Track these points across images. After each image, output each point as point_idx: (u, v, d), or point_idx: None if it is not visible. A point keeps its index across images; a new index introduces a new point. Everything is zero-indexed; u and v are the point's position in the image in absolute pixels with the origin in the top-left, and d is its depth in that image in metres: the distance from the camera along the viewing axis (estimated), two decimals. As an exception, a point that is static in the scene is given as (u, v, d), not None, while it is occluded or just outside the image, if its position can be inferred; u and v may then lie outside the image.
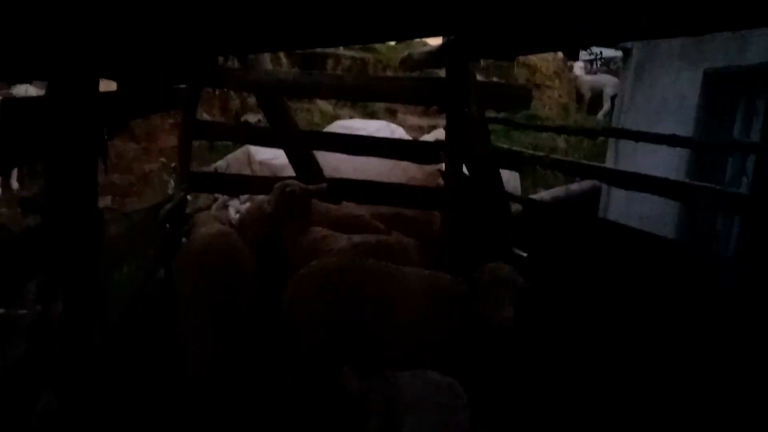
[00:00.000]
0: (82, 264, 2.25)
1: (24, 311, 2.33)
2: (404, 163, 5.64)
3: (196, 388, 3.35)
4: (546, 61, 12.71)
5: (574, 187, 8.18)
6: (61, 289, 2.25)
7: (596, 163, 5.35)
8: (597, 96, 12.75)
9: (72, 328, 2.24)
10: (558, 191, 7.97)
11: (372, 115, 10.27)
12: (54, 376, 2.20)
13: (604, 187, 6.88)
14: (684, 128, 5.39)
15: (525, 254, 4.57)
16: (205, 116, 8.93)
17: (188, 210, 5.88)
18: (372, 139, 5.78)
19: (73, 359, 2.22)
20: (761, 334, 2.79)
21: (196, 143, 6.38)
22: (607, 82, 12.58)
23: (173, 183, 5.39)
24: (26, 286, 2.30)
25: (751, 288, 2.93)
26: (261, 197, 5.57)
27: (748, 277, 2.97)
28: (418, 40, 9.50)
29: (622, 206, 6.26)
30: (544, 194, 7.95)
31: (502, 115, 6.80)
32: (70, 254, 2.23)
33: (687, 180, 4.69)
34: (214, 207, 6.51)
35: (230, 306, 3.45)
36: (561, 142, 10.23)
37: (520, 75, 12.26)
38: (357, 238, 4.07)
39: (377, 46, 11.46)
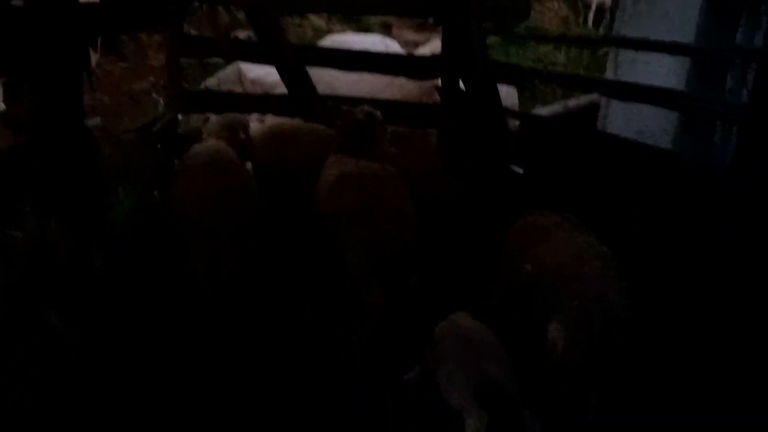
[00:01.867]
0: (74, 182, 2.22)
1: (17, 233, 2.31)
2: (400, 80, 5.51)
3: (204, 307, 3.39)
4: (546, -30, 12.21)
5: (572, 104, 8.03)
6: (55, 209, 2.23)
7: (596, 76, 5.24)
8: (600, 8, 12.32)
9: (70, 247, 2.24)
10: (556, 108, 7.82)
11: (366, 30, 9.94)
12: (54, 293, 2.22)
13: (603, 102, 6.77)
14: (686, 38, 5.23)
15: (521, 171, 4.55)
16: (194, 32, 8.64)
17: (180, 130, 5.79)
18: (367, 55, 5.61)
19: (73, 278, 2.23)
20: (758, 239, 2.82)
21: (185, 62, 6.21)
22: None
23: (163, 102, 5.27)
24: (20, 207, 2.28)
25: (747, 195, 2.95)
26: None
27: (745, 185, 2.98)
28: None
29: (620, 122, 6.16)
30: (541, 111, 7.82)
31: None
32: (61, 172, 2.20)
33: (687, 87, 4.59)
34: (205, 129, 6.38)
35: (233, 224, 3.42)
36: (561, 56, 9.96)
37: (519, -14, 11.81)
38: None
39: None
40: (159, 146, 5.00)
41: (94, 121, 6.36)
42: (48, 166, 2.25)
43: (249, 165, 4.31)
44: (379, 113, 4.04)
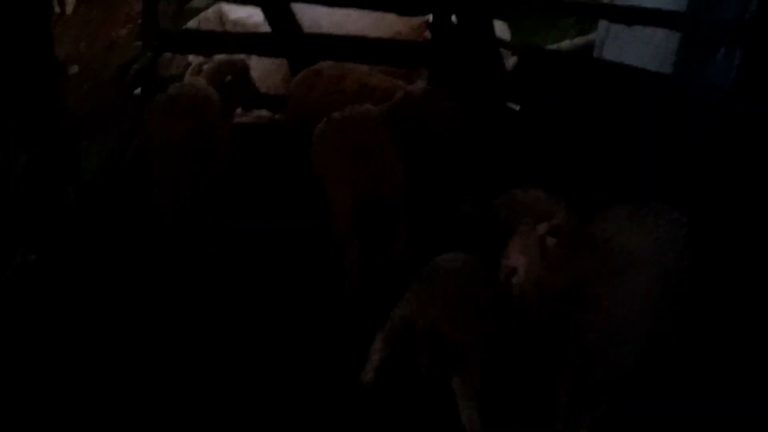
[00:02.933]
0: (44, 112, 2.07)
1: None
2: (389, 17, 5.27)
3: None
4: None
5: (566, 44, 7.87)
6: (26, 140, 2.08)
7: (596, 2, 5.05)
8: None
9: (42, 181, 2.11)
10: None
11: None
12: (30, 230, 2.09)
13: (597, 43, 6.61)
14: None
15: (517, 108, 4.41)
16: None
17: (162, 75, 5.56)
18: (354, -10, 5.35)
19: (46, 213, 2.10)
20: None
21: (164, 8, 5.92)
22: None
23: (142, 44, 5.02)
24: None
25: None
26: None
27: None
28: None
29: (614, 58, 6.04)
30: (534, 53, 7.63)
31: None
32: (29, 101, 2.04)
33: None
34: (188, 73, 6.14)
35: (190, 163, 3.38)
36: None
37: None
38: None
39: None
40: (139, 89, 4.81)
41: (72, 69, 6.12)
42: (17, 100, 2.10)
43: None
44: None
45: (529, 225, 1.76)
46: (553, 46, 8.03)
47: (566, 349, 1.89)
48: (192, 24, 6.30)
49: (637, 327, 1.96)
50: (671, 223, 2.17)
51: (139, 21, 5.00)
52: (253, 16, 5.81)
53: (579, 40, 7.60)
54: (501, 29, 6.15)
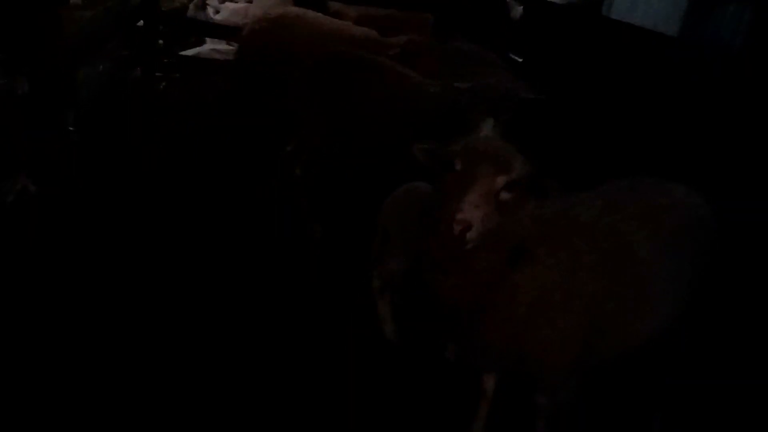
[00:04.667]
0: (44, 38, 2.06)
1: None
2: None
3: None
4: None
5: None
6: (26, 65, 2.08)
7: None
8: None
9: (41, 107, 2.11)
10: (557, -1, 7.50)
11: None
12: (28, 157, 2.12)
13: (607, -5, 6.49)
14: None
15: (520, 59, 4.38)
16: None
17: (164, 8, 5.47)
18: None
19: (46, 139, 2.12)
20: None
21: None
22: None
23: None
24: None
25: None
26: None
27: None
28: None
29: (624, 9, 5.95)
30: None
31: None
32: (30, 26, 2.03)
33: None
34: (191, 6, 6.04)
35: None
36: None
37: None
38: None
39: None
40: (140, 22, 4.76)
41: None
42: (16, 28, 2.08)
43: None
44: None
45: (486, 177, 1.68)
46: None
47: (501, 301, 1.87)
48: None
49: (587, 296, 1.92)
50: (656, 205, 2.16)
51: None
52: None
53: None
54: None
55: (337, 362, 2.48)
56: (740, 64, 3.25)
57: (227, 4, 6.04)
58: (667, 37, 4.08)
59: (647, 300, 2.06)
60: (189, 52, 5.51)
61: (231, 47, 5.50)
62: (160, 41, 5.34)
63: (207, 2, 6.03)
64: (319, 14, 4.26)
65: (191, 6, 5.99)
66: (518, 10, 4.58)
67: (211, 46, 5.68)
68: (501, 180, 1.67)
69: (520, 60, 4.22)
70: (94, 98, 3.71)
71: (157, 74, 5.17)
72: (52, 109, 2.39)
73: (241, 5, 5.98)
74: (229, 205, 3.38)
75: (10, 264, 2.28)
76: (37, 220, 2.19)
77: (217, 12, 6.00)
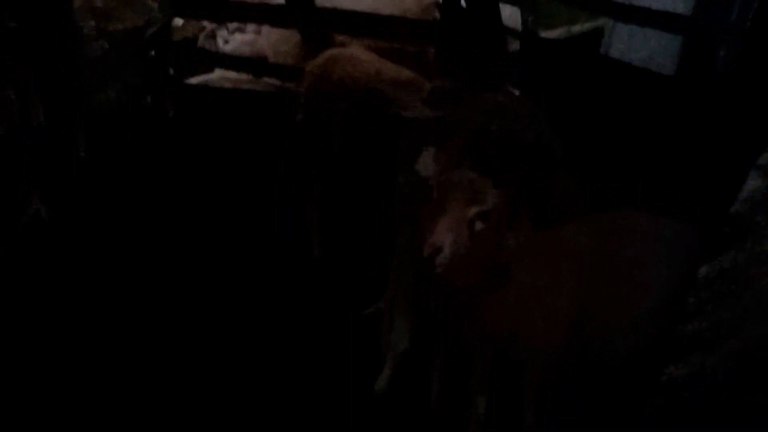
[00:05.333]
0: (60, 71, 2.20)
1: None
2: (400, -5, 5.35)
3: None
4: None
5: (576, 28, 7.88)
6: (41, 98, 2.22)
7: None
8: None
9: (56, 138, 2.25)
10: (559, 32, 7.68)
11: (370, -56, 9.53)
12: (41, 183, 2.24)
13: (607, 27, 6.64)
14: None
15: (517, 92, 4.50)
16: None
17: (175, 39, 5.66)
18: (367, -34, 5.43)
19: (59, 168, 2.24)
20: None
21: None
22: None
23: (156, 6, 5.12)
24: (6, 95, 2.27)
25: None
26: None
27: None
28: None
29: (622, 49, 6.08)
30: (545, 35, 7.65)
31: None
32: (47, 62, 2.17)
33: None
34: (201, 36, 6.24)
35: None
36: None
37: None
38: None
39: None
40: (152, 52, 4.92)
41: (86, 24, 6.22)
42: (34, 57, 2.23)
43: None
44: None
45: (460, 206, 1.82)
46: (564, 29, 8.10)
47: (478, 328, 1.98)
48: (208, -11, 6.34)
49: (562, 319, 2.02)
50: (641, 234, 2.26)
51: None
52: (269, -15, 5.85)
53: (588, 26, 7.63)
54: (512, 14, 6.22)
55: (337, 367, 2.57)
56: (735, 101, 3.35)
57: (236, 35, 6.22)
58: (663, 76, 4.18)
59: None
60: (198, 80, 5.70)
61: (240, 75, 5.68)
62: (171, 70, 5.52)
63: (217, 33, 6.22)
64: (371, 55, 4.36)
65: (201, 36, 6.19)
66: (515, 45, 4.74)
67: (220, 74, 5.86)
68: (473, 210, 1.82)
69: (517, 93, 4.36)
70: (106, 124, 3.86)
71: (167, 101, 5.34)
72: (66, 136, 2.52)
73: (249, 36, 6.16)
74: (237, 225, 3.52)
75: (21, 285, 2.39)
76: (48, 242, 2.30)
77: (227, 42, 6.19)
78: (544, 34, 7.92)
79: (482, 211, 1.83)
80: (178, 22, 5.80)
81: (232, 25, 6.33)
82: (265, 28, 5.87)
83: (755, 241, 1.42)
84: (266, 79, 5.64)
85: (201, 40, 6.19)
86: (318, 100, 4.04)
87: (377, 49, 4.90)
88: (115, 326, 2.65)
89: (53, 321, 2.54)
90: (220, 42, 6.26)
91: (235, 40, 6.21)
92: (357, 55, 4.30)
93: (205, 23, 6.17)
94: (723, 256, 1.47)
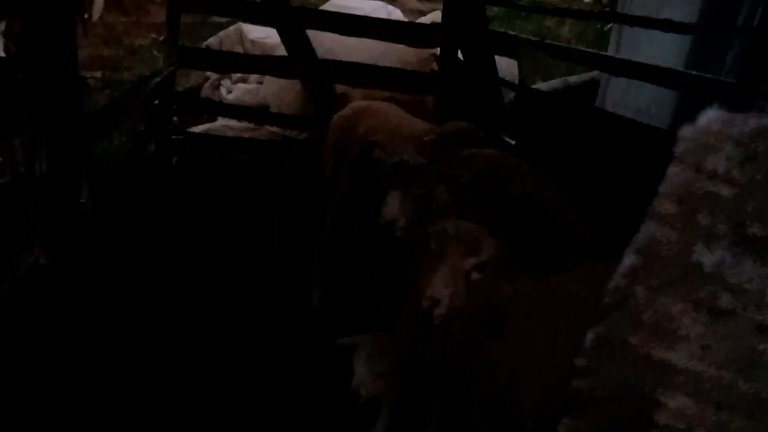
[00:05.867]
0: (64, 122, 2.27)
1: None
2: (399, 47, 5.49)
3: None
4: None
5: (573, 79, 8.03)
6: (45, 147, 2.28)
7: (593, 50, 5.24)
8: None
9: (58, 186, 2.30)
10: (555, 83, 7.83)
11: (371, -4, 9.84)
12: (43, 231, 2.28)
13: (603, 79, 6.77)
14: (690, 16, 5.22)
15: (513, 142, 4.59)
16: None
17: (179, 88, 5.81)
18: (367, 20, 5.59)
19: (61, 216, 2.29)
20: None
21: (187, 19, 6.19)
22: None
23: (162, 58, 5.28)
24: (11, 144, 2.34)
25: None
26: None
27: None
28: None
29: (618, 98, 6.19)
30: (541, 85, 7.81)
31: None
32: (52, 113, 2.24)
33: (686, 68, 4.61)
34: (205, 86, 6.40)
35: None
36: (565, 31, 9.92)
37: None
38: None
39: None
40: (156, 101, 5.04)
41: (93, 74, 6.39)
42: (39, 105, 2.30)
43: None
44: None
45: (456, 256, 1.83)
46: (561, 79, 8.27)
47: (476, 376, 1.98)
48: (213, 40, 6.54)
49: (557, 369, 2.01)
50: None
51: (162, 37, 5.21)
52: (272, 37, 6.03)
53: (585, 76, 7.79)
54: (508, 66, 6.39)
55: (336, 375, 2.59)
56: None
57: (240, 84, 6.38)
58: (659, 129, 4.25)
59: None
60: (201, 128, 5.81)
61: (242, 123, 5.80)
62: (175, 118, 5.65)
63: (220, 83, 6.38)
64: (395, 108, 4.43)
65: (206, 86, 6.35)
66: (510, 96, 4.86)
67: (222, 123, 5.98)
68: (470, 261, 1.84)
69: (513, 143, 4.44)
70: (109, 171, 3.94)
71: (170, 149, 5.44)
72: (69, 184, 2.57)
73: (252, 86, 6.32)
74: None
75: (21, 332, 2.41)
76: (50, 291, 2.34)
77: (230, 92, 6.34)
78: (542, 84, 8.11)
79: (479, 262, 1.85)
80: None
81: (236, 75, 6.50)
82: (267, 78, 6.03)
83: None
84: (268, 128, 5.75)
85: (205, 90, 6.35)
86: (341, 151, 4.14)
87: (401, 101, 5.00)
88: (115, 374, 2.67)
89: (51, 367, 2.56)
90: (223, 91, 6.41)
91: (238, 89, 6.37)
92: (382, 108, 4.40)
93: (209, 72, 6.33)
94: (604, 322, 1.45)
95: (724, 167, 0.63)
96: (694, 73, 3.53)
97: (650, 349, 0.67)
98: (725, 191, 0.62)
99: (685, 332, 0.65)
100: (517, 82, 5.25)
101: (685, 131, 0.67)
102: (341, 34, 5.21)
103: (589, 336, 1.37)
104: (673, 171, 0.67)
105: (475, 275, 1.85)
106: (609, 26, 8.40)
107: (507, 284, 1.97)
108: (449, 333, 1.98)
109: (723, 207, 0.62)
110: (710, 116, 0.65)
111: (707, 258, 0.64)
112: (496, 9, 8.63)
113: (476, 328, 1.96)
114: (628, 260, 0.67)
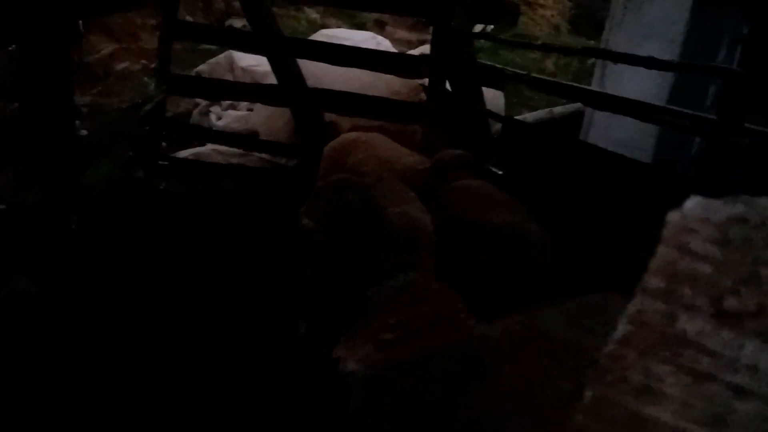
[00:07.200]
0: (58, 152, 2.29)
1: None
2: (387, 77, 5.58)
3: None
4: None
5: (558, 110, 8.19)
6: (37, 176, 2.30)
7: (577, 84, 5.36)
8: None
9: (49, 214, 2.31)
10: (541, 114, 7.98)
11: (360, 27, 10.02)
12: (30, 260, 2.29)
13: (587, 111, 6.91)
14: (671, 53, 5.38)
15: (500, 172, 4.66)
16: (188, 18, 8.69)
17: (169, 114, 5.85)
18: (356, 50, 5.69)
19: (50, 244, 2.29)
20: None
21: (178, 46, 6.26)
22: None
23: (153, 85, 5.33)
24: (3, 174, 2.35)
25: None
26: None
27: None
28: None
29: (602, 130, 6.32)
30: (527, 116, 7.95)
31: (490, 28, 6.72)
32: (46, 142, 2.26)
33: (668, 103, 4.74)
34: (195, 112, 6.45)
35: None
36: (550, 64, 10.14)
37: (514, -9, 11.95)
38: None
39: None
40: (146, 127, 5.07)
41: (83, 100, 6.42)
42: (33, 135, 2.32)
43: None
44: None
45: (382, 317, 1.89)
46: (546, 110, 8.44)
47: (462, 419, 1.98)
48: (205, 67, 6.62)
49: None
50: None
51: (153, 64, 5.26)
52: (262, 65, 6.11)
53: (570, 107, 7.95)
54: (498, 96, 6.51)
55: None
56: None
57: (229, 111, 6.44)
58: (640, 163, 4.34)
59: None
60: (189, 152, 5.84)
61: (231, 149, 5.83)
62: (164, 144, 5.67)
63: (210, 109, 6.43)
64: (386, 140, 4.47)
65: (195, 112, 6.40)
66: (497, 127, 4.95)
67: (212, 147, 6.01)
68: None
69: (500, 173, 4.51)
70: (96, 198, 3.94)
71: (158, 175, 5.46)
72: (58, 211, 2.58)
73: (242, 113, 6.38)
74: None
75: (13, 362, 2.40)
76: (32, 319, 2.33)
77: (219, 118, 6.39)
78: (527, 115, 8.26)
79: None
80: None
81: (226, 102, 6.57)
82: (258, 105, 6.09)
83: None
84: (257, 154, 5.79)
85: (195, 116, 6.39)
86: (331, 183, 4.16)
87: (367, 128, 5.07)
88: (103, 404, 2.65)
89: (38, 397, 2.54)
90: (213, 118, 6.46)
91: (228, 116, 6.42)
92: (371, 139, 4.44)
93: (199, 100, 6.38)
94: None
95: (704, 248, 0.71)
96: (675, 108, 3.61)
97: (640, 407, 0.72)
98: (705, 269, 0.70)
99: (671, 392, 0.71)
100: (503, 113, 5.37)
101: (672, 216, 0.74)
102: (331, 63, 5.29)
103: (587, 394, 1.41)
104: (661, 250, 0.75)
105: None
106: (592, 61, 8.62)
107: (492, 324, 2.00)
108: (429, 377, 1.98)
109: (703, 283, 0.69)
110: (693, 203, 0.73)
111: (690, 326, 0.71)
112: (482, 41, 8.81)
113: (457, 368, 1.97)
114: (622, 328, 0.73)
